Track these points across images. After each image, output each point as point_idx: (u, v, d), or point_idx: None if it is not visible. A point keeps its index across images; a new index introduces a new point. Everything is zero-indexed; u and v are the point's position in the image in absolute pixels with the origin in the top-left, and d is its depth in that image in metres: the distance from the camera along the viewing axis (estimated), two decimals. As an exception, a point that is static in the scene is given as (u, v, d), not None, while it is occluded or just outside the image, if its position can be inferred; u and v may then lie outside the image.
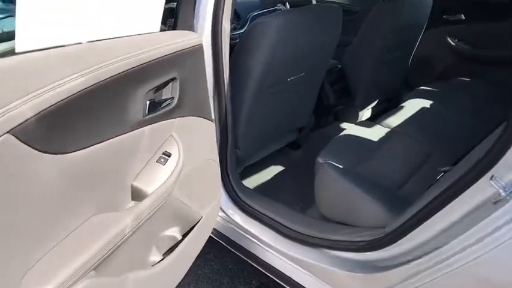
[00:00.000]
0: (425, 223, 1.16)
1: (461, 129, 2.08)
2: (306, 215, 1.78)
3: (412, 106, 2.24)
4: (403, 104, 2.28)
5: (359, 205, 1.51)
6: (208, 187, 1.51)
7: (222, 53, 1.47)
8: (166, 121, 1.16)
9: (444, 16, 2.84)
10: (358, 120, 2.65)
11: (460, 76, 2.70)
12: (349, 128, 1.97)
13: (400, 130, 1.98)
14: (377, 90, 2.65)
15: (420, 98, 2.37)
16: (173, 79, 1.16)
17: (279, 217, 1.68)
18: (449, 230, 1.11)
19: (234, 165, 1.80)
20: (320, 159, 1.70)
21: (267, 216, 1.69)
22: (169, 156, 1.16)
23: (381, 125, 2.04)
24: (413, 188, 1.62)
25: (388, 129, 1.99)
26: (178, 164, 1.17)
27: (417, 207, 1.21)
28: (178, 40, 1.16)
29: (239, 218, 1.76)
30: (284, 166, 2.32)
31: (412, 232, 1.20)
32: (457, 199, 1.07)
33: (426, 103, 2.28)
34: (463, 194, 1.05)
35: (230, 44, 1.52)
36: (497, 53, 2.67)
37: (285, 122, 2.16)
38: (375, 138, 1.89)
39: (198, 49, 1.25)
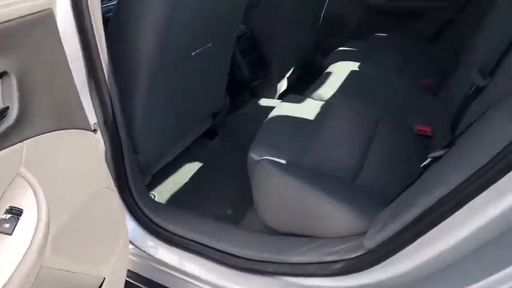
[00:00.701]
0: (430, 232, 0.83)
1: (396, 89, 1.83)
2: (246, 229, 1.37)
3: (338, 71, 1.93)
4: (327, 70, 1.96)
5: (317, 210, 1.14)
6: (106, 230, 1.01)
7: (92, 27, 0.95)
8: (2, 151, 0.64)
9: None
10: (277, 94, 2.29)
11: (374, 32, 2.48)
12: (278, 107, 1.58)
13: (335, 102, 1.66)
14: (292, 56, 2.30)
15: (342, 60, 2.07)
16: (1, 74, 0.64)
17: (209, 238, 1.25)
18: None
19: (137, 178, 1.32)
20: (254, 156, 1.29)
21: (191, 240, 1.25)
22: (19, 214, 0.64)
23: (312, 98, 1.69)
24: (371, 172, 1.30)
25: (322, 103, 1.65)
26: (40, 223, 0.66)
27: (412, 209, 0.88)
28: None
29: (155, 248, 1.29)
30: (202, 162, 1.88)
31: (406, 248, 0.87)
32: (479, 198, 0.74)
33: (351, 66, 1.98)
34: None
35: (104, 17, 1.00)
36: (411, 3, 2.49)
37: (194, 110, 1.70)
38: (311, 116, 1.54)
39: (45, 17, 0.72)
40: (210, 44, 1.49)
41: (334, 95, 1.69)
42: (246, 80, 2.04)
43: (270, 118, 1.50)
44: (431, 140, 1.53)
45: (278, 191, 1.23)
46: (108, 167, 1.13)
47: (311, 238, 1.16)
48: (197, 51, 1.43)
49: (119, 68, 1.12)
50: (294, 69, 2.41)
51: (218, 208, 1.61)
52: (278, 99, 2.29)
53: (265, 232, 1.31)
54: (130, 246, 1.28)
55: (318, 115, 1.54)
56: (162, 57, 1.26)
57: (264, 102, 2.17)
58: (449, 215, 0.79)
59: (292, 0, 2.03)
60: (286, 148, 1.31)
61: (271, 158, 1.24)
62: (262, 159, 1.24)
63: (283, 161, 1.24)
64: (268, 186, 1.25)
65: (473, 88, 1.35)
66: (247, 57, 2.04)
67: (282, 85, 2.33)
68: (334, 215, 1.11)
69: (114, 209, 1.05)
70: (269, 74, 2.15)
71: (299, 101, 1.66)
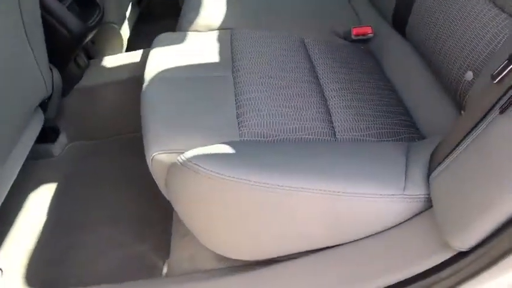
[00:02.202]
0: None
1: None
2: (187, 275, 0.80)
3: None
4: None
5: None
6: None
7: None
8: None
9: None
10: (125, 43, 1.58)
11: None
12: (153, 63, 0.95)
13: (236, 25, 1.09)
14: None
15: None
16: None
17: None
18: None
19: None
20: (161, 157, 0.69)
21: None
22: None
23: (198, 31, 1.09)
24: (345, 117, 0.84)
25: (217, 33, 1.07)
26: None
27: None
28: None
29: None
30: (55, 181, 1.18)
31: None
32: None
33: None
34: None
35: None
36: None
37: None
38: (215, 58, 0.96)
39: None
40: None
41: (227, 17, 1.12)
42: (76, 36, 1.28)
43: (151, 85, 0.88)
44: (372, 41, 1.13)
45: (247, 198, 0.67)
46: None
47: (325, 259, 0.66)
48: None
49: None
50: (131, 7, 1.71)
51: (118, 251, 0.99)
52: (127, 50, 1.59)
53: (221, 269, 0.77)
54: None
55: (224, 53, 0.97)
56: None
57: (112, 60, 1.45)
58: None
59: None
60: (219, 124, 0.74)
61: (200, 159, 0.65)
62: (187, 161, 0.65)
63: (222, 151, 0.67)
64: (221, 197, 0.68)
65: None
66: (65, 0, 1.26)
67: (126, 31, 1.62)
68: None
69: None
70: (105, 16, 1.41)
71: (180, 40, 1.04)
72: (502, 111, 0.55)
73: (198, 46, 1.00)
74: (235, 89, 0.85)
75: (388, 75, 1.00)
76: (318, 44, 1.04)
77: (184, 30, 1.10)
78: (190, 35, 1.05)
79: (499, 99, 0.56)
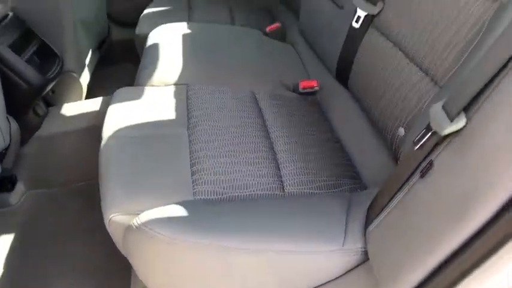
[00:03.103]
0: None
1: (248, 44, 1.42)
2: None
3: (164, 39, 1.40)
4: (149, 43, 1.40)
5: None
6: None
7: None
8: None
9: None
10: (84, 91, 1.60)
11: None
12: (113, 116, 0.99)
13: (189, 81, 1.15)
14: (86, 35, 1.63)
15: (158, 24, 1.53)
16: None
17: None
18: None
19: None
20: (119, 220, 0.73)
21: None
22: None
23: (153, 86, 1.14)
24: (293, 171, 0.91)
25: (173, 88, 1.12)
26: None
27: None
28: None
29: None
30: (11, 233, 1.17)
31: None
32: None
33: (177, 28, 1.47)
34: None
35: None
36: None
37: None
38: (170, 113, 1.02)
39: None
40: None
41: (183, 73, 1.18)
42: (35, 88, 1.30)
43: (108, 144, 0.91)
44: (319, 94, 1.22)
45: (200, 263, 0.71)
46: None
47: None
48: None
49: None
50: (91, 53, 1.74)
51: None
52: (87, 96, 1.62)
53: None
54: None
55: (180, 109, 1.03)
56: None
57: (71, 108, 1.47)
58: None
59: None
60: (172, 188, 0.78)
61: (157, 223, 0.69)
62: (142, 225, 0.69)
63: (185, 214, 0.72)
64: (177, 259, 0.72)
65: (362, 19, 1.05)
66: (24, 52, 1.28)
67: (85, 78, 1.65)
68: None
69: None
70: (64, 65, 1.44)
71: (138, 96, 1.09)
72: (422, 175, 0.62)
73: (155, 102, 1.05)
74: (190, 146, 0.90)
75: (334, 127, 1.09)
76: (268, 97, 1.11)
77: (142, 84, 1.15)
78: (148, 90, 1.10)
79: (420, 163, 0.64)
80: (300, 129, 1.02)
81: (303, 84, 1.19)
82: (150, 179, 0.80)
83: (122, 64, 1.98)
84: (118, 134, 0.92)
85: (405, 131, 0.86)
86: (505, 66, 0.50)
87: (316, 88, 1.19)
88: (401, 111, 0.87)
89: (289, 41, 1.53)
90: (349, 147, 1.01)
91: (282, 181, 0.86)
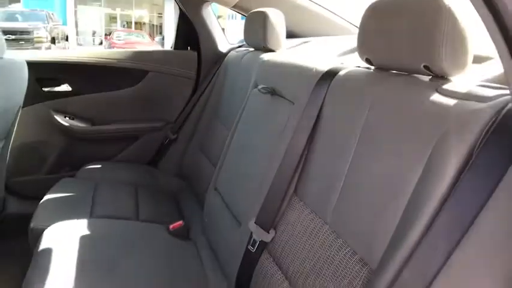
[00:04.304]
0: None
1: (152, 248, 1.40)
2: None
3: (56, 247, 1.32)
4: (41, 248, 1.31)
5: None
6: None
7: None
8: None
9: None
10: None
11: (83, 163, 2.00)
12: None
13: None
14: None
15: (52, 221, 1.44)
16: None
17: None
18: None
19: None
20: None
21: None
22: None
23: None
24: None
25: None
26: None
27: None
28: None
29: None
30: None
31: None
32: None
33: (72, 232, 1.40)
34: None
35: None
36: (121, 127, 2.15)
37: None
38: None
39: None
40: None
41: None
42: None
43: None
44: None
45: None
46: None
47: None
48: None
49: None
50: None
51: None
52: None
53: None
54: None
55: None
56: None
57: None
58: None
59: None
60: None
61: None
62: None
63: None
64: None
65: (258, 243, 1.12)
66: None
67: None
68: None
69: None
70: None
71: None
72: None
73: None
74: None
75: None
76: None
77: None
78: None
79: None
80: None
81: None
82: None
83: (15, 239, 1.75)
84: None
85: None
86: None
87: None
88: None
89: (193, 238, 1.55)
90: None
91: None
